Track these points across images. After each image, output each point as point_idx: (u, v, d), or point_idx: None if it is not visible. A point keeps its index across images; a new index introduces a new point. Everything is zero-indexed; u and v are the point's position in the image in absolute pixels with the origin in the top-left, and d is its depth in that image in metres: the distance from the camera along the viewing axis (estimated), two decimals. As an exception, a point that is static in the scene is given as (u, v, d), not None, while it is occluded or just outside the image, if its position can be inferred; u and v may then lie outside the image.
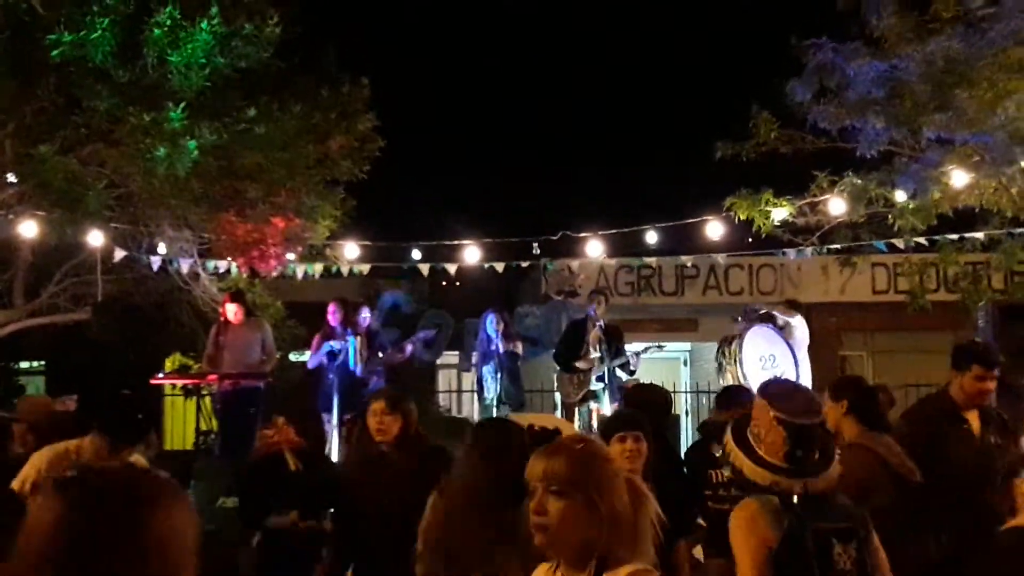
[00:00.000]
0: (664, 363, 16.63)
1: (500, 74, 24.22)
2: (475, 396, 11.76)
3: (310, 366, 11.24)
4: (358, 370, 10.89)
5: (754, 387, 9.80)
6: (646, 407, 6.12)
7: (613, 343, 11.12)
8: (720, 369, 11.25)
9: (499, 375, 11.05)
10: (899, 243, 12.45)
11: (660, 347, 11.99)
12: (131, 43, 9.90)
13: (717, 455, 5.52)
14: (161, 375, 12.01)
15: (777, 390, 3.57)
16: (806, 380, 10.82)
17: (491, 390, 11.02)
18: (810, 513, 3.36)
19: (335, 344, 10.88)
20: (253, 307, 12.29)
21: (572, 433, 2.90)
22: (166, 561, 1.85)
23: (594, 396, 10.96)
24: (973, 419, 5.59)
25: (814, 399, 3.56)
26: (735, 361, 10.77)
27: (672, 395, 15.59)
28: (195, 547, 1.92)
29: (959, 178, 11.16)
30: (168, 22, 9.69)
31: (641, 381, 10.10)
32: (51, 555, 1.78)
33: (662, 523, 2.69)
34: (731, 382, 10.35)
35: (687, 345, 19.40)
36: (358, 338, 10.98)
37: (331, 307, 11.17)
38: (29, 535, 1.82)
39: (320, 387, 10.94)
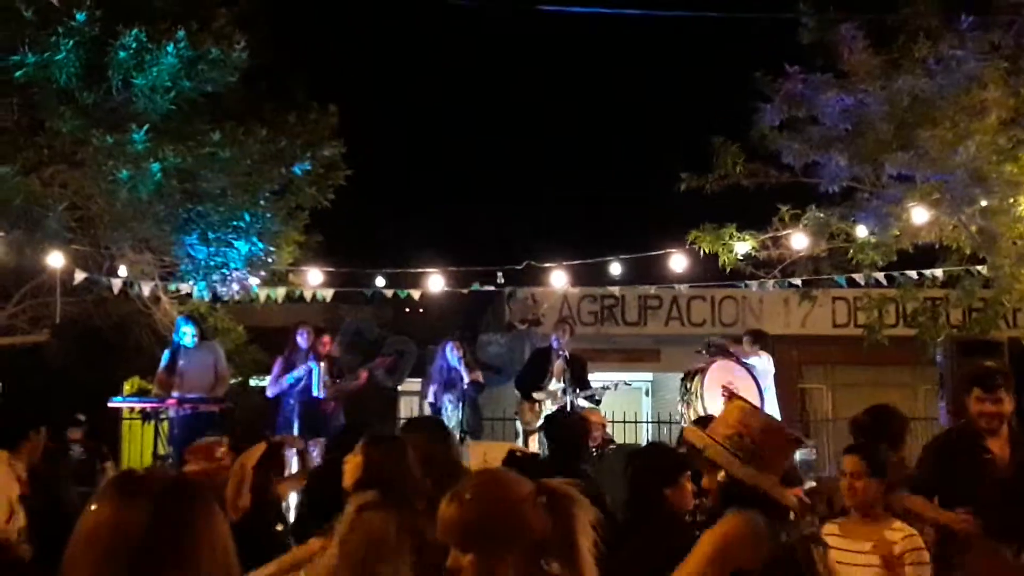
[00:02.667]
0: (626, 393, 16.65)
1: (466, 104, 24.33)
2: None
3: (269, 394, 11.19)
4: (322, 394, 10.86)
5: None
6: (564, 437, 6.26)
7: (576, 373, 11.14)
8: (683, 405, 11.21)
9: (462, 404, 11.06)
10: (859, 278, 12.56)
11: (605, 390, 11.82)
12: (96, 65, 9.86)
13: None
14: (119, 398, 11.89)
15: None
16: (772, 414, 10.84)
17: (452, 419, 11.01)
18: (791, 524, 3.37)
19: (297, 373, 10.85)
20: (214, 331, 12.20)
21: (476, 474, 2.72)
22: (217, 560, 1.93)
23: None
24: (996, 446, 5.51)
25: None
26: (697, 397, 10.72)
27: (635, 426, 15.70)
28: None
29: (919, 215, 11.28)
30: (134, 45, 9.66)
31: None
32: (119, 555, 1.84)
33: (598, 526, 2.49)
34: (693, 418, 10.31)
35: (649, 375, 19.44)
36: (321, 363, 10.96)
37: (301, 331, 11.12)
38: (90, 537, 1.88)
39: (280, 412, 10.91)
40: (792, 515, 3.47)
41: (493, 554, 2.39)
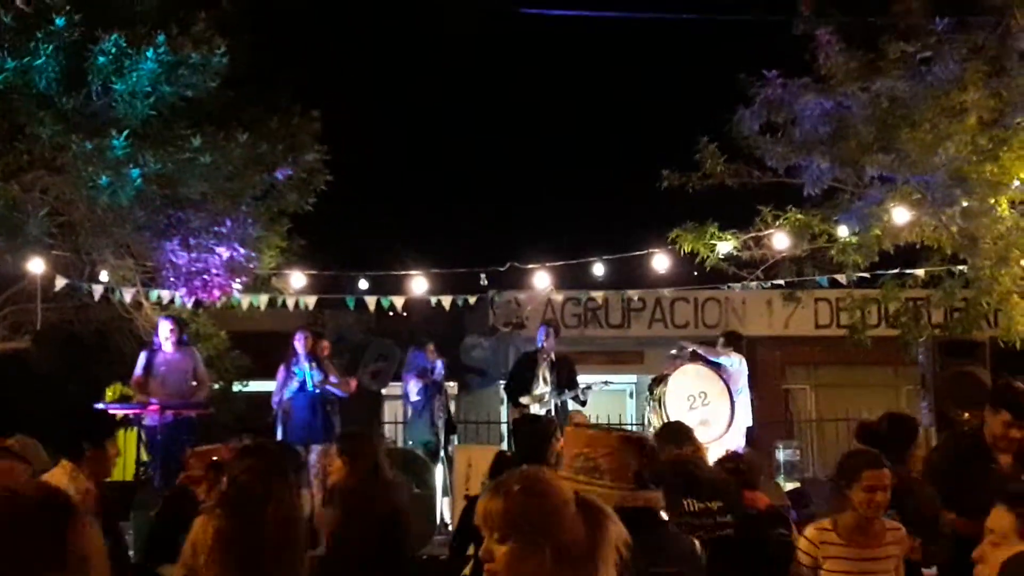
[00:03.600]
0: (610, 396, 16.67)
1: (449, 107, 24.31)
2: (410, 427, 11.76)
3: (273, 404, 11.03)
4: (318, 389, 10.75)
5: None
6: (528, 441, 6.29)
7: (564, 374, 11.14)
8: (650, 411, 11.07)
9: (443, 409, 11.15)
10: (841, 278, 12.61)
11: (587, 390, 11.78)
12: (75, 70, 9.81)
13: None
14: (101, 405, 11.82)
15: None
16: (744, 417, 10.80)
17: (440, 420, 11.08)
18: (648, 553, 3.00)
19: (292, 385, 10.71)
20: (196, 337, 12.14)
21: (520, 470, 2.73)
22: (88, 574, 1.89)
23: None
24: (1005, 459, 5.40)
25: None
26: (661, 404, 10.59)
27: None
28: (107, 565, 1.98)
29: (900, 216, 11.34)
30: (113, 50, 9.62)
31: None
32: None
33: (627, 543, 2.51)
34: (656, 424, 10.14)
35: (633, 378, 19.46)
36: (312, 365, 10.83)
37: (299, 335, 10.92)
38: None
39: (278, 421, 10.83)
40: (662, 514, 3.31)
41: (531, 544, 2.41)
